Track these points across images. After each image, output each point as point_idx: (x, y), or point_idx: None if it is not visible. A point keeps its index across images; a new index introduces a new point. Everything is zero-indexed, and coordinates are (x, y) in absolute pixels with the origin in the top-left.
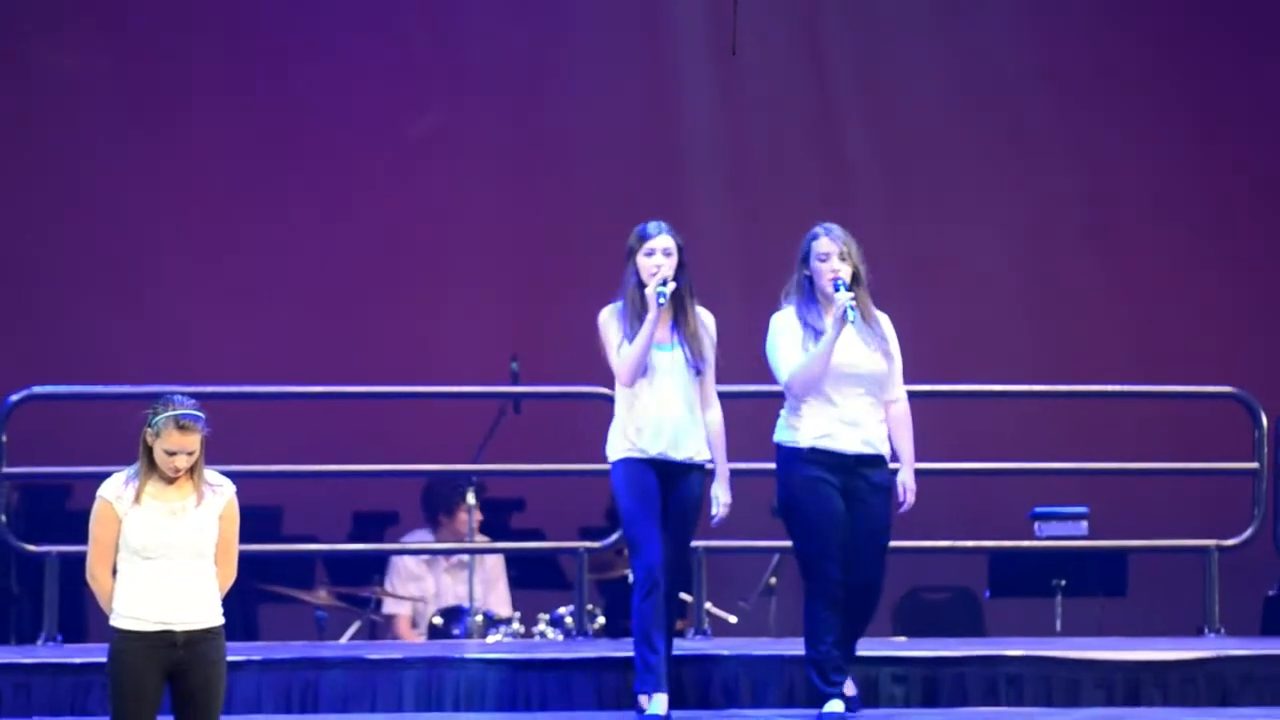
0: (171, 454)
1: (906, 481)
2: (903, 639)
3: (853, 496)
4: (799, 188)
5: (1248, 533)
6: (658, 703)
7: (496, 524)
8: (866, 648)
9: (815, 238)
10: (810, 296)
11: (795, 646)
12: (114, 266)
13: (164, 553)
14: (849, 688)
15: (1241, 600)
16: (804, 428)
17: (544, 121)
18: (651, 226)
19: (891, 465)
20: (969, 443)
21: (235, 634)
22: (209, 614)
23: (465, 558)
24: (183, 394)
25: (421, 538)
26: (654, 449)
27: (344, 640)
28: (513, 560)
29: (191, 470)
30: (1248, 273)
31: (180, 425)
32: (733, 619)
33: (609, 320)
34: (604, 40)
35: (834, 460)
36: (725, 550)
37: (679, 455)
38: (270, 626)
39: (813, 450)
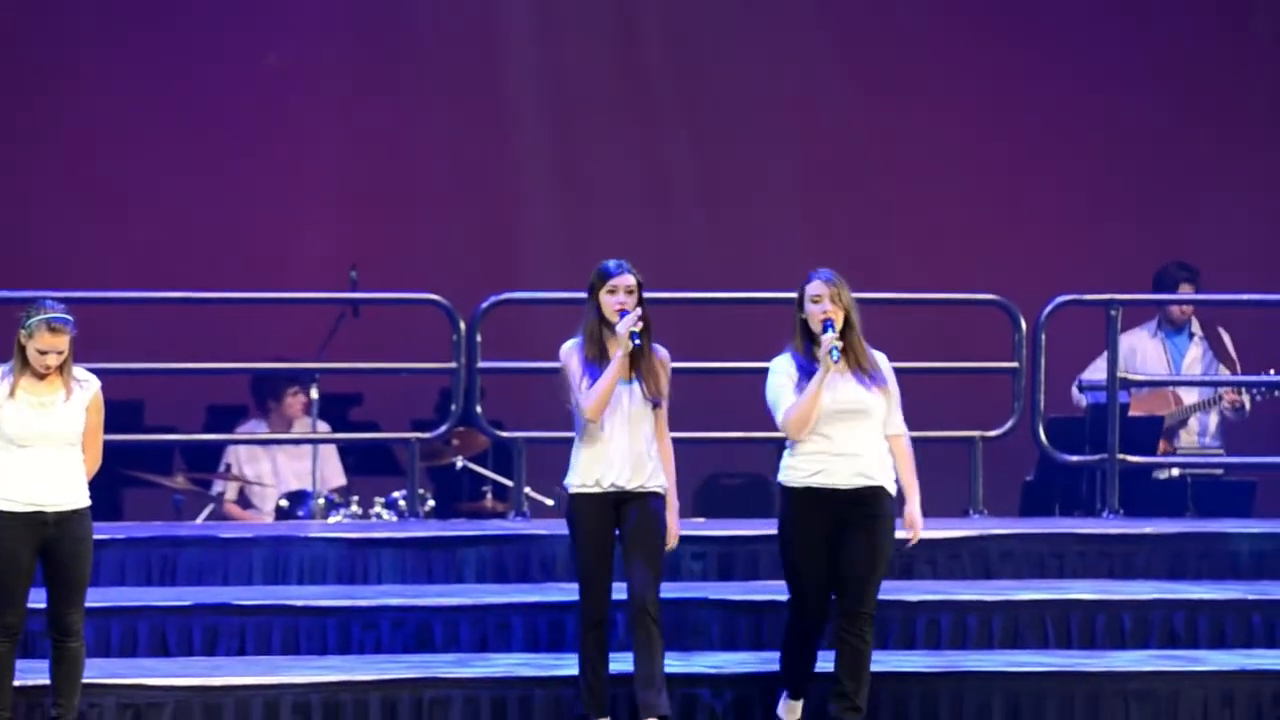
0: (43, 353)
1: (912, 515)
2: (702, 520)
3: (849, 527)
4: (609, 132)
5: (1008, 425)
6: None
7: (336, 416)
8: None
9: (808, 281)
10: (805, 340)
11: None
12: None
13: (36, 441)
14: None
15: (1002, 485)
16: (800, 466)
17: (388, 55)
18: (612, 265)
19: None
20: (764, 345)
21: (101, 515)
22: (77, 496)
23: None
24: (53, 299)
25: (254, 426)
26: (608, 480)
27: (199, 521)
28: (351, 449)
29: (61, 367)
30: (1013, 183)
31: (51, 327)
32: (550, 502)
33: (570, 356)
34: None
35: (826, 496)
36: (544, 440)
37: (634, 484)
38: (133, 508)
39: (806, 489)
